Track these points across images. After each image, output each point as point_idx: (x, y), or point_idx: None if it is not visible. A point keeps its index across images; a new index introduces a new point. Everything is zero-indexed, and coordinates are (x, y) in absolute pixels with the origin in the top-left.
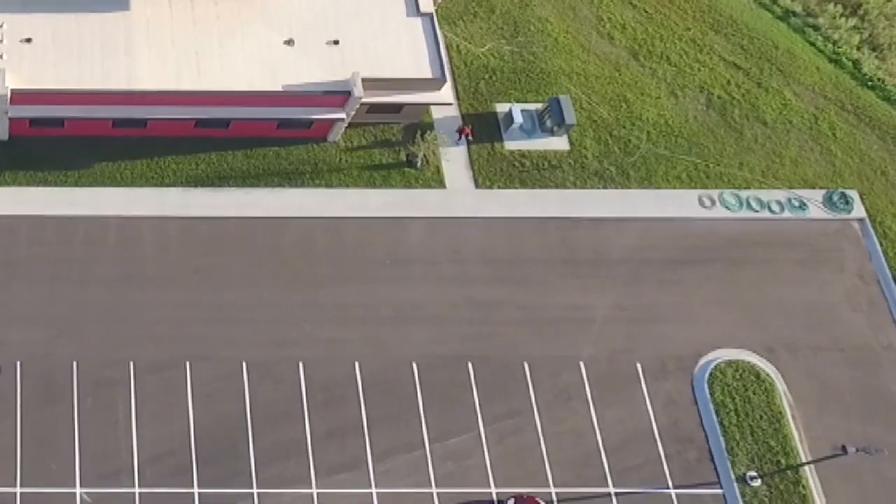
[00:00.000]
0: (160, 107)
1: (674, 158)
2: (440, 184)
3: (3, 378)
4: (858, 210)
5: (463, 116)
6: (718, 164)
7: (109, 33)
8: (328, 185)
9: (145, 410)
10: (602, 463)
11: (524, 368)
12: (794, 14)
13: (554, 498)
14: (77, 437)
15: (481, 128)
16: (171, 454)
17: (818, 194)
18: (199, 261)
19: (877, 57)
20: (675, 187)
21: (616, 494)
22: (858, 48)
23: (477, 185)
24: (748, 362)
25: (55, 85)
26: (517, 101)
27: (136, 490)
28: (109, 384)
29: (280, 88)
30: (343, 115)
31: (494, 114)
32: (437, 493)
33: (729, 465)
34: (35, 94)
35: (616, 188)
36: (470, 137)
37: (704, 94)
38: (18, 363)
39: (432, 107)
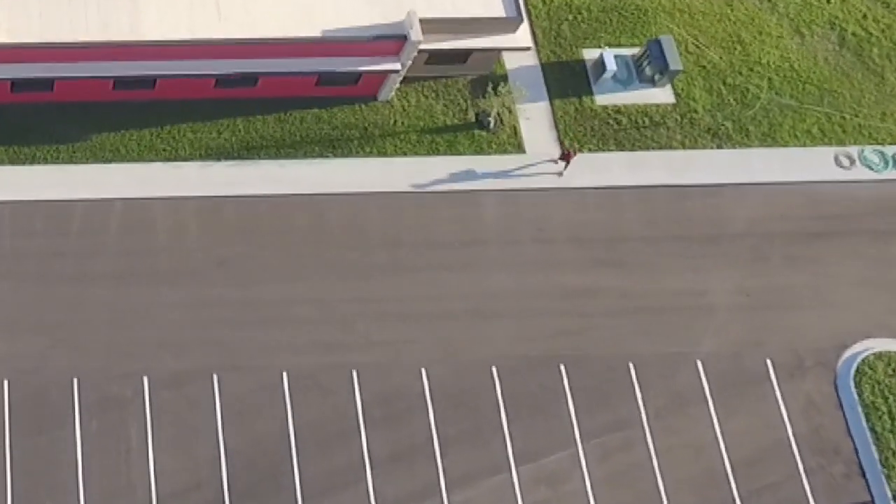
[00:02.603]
0: (171, 61)
1: (802, 110)
2: (518, 148)
3: None
4: None
5: (562, 142)
6: (857, 116)
7: None
8: (381, 154)
9: (163, 435)
10: (729, 482)
11: (629, 369)
12: None
13: None
14: (80, 471)
15: (566, 79)
16: (196, 488)
17: None
18: (224, 250)
19: None
20: (804, 145)
21: None
22: None
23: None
24: None
25: (41, 38)
26: (609, 46)
27: None
28: (118, 403)
29: (319, 34)
30: (397, 66)
31: (582, 62)
32: None
33: (884, 480)
34: (17, 49)
35: (733, 147)
36: (572, 160)
37: (836, 31)
38: (6, 382)
39: (505, 55)
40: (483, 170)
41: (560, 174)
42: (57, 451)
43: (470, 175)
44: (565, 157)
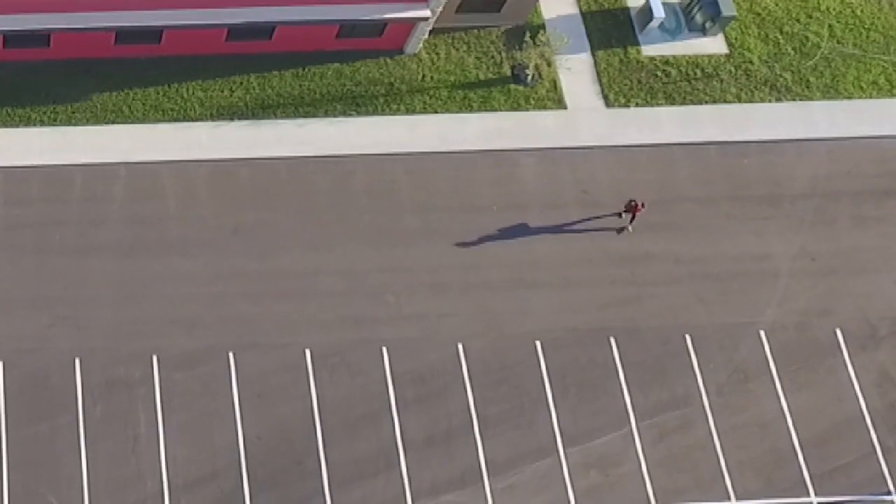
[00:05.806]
0: (179, 11)
1: (867, 59)
2: (559, 103)
3: None
4: None
5: (631, 203)
6: None
7: None
8: (409, 112)
9: (175, 420)
10: (798, 464)
11: (686, 342)
12: None
13: None
14: (84, 460)
15: (609, 28)
16: (212, 477)
17: None
18: (239, 217)
19: None
20: (870, 96)
21: None
22: None
23: (608, 104)
24: None
25: None
26: None
27: None
28: (125, 386)
29: None
30: (426, 13)
31: (625, 9)
32: None
33: None
34: None
35: (793, 100)
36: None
37: None
38: (1, 364)
39: (542, 2)
40: (521, 127)
41: (625, 229)
42: (58, 440)
43: (506, 133)
44: (632, 209)
